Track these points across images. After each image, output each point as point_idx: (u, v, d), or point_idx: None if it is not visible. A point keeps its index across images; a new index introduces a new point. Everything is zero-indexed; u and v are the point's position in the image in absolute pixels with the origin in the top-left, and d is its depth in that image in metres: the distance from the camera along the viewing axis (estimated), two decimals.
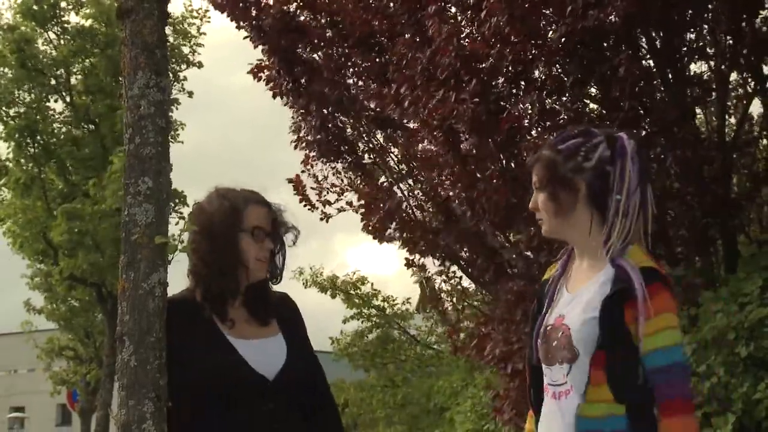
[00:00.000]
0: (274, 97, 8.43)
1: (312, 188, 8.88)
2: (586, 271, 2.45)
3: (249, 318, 2.61)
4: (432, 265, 8.82)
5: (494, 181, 6.33)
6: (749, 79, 7.38)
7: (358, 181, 8.56)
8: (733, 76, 7.31)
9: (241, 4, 8.10)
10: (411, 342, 19.19)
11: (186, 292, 2.62)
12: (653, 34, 6.59)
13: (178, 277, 2.64)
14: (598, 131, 2.47)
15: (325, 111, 8.45)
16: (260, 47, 8.30)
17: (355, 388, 20.02)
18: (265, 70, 8.38)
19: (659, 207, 6.53)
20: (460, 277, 9.12)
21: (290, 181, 8.58)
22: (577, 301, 2.40)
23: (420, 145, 7.66)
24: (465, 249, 7.96)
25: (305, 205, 8.78)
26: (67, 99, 20.16)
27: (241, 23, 8.20)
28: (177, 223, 2.63)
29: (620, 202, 2.36)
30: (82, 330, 22.79)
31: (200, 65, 21.00)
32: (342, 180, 8.92)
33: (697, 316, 5.86)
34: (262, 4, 8.22)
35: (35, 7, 19.49)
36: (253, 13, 8.14)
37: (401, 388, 18.41)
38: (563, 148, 2.43)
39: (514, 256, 7.00)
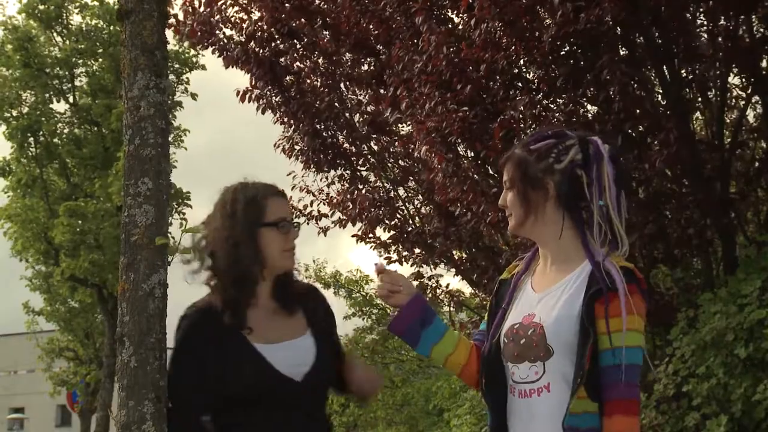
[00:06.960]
0: (263, 112, 8.39)
1: (302, 195, 8.88)
2: (554, 272, 2.45)
3: (277, 311, 2.56)
4: (426, 272, 8.79)
5: (488, 183, 6.35)
6: (745, 80, 7.37)
7: (347, 193, 8.50)
8: (731, 76, 7.31)
9: (215, 35, 8.11)
10: None
11: (209, 297, 2.57)
12: (649, 36, 6.59)
13: (178, 278, 2.64)
14: (572, 133, 2.48)
15: (316, 120, 8.42)
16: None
17: None
18: (254, 90, 8.33)
19: (657, 207, 6.60)
20: (447, 285, 9.14)
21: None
22: (548, 299, 2.41)
23: (416, 148, 7.65)
24: (464, 252, 7.94)
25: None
26: (71, 99, 20.15)
27: (216, 47, 8.21)
28: (181, 225, 2.62)
29: (602, 207, 2.39)
30: (82, 331, 22.77)
31: (204, 68, 20.97)
32: (337, 190, 8.87)
33: (695, 317, 5.87)
34: (242, 21, 8.21)
35: (41, 7, 19.48)
36: (224, 34, 8.14)
37: (401, 388, 18.40)
38: (535, 149, 2.45)
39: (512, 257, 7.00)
